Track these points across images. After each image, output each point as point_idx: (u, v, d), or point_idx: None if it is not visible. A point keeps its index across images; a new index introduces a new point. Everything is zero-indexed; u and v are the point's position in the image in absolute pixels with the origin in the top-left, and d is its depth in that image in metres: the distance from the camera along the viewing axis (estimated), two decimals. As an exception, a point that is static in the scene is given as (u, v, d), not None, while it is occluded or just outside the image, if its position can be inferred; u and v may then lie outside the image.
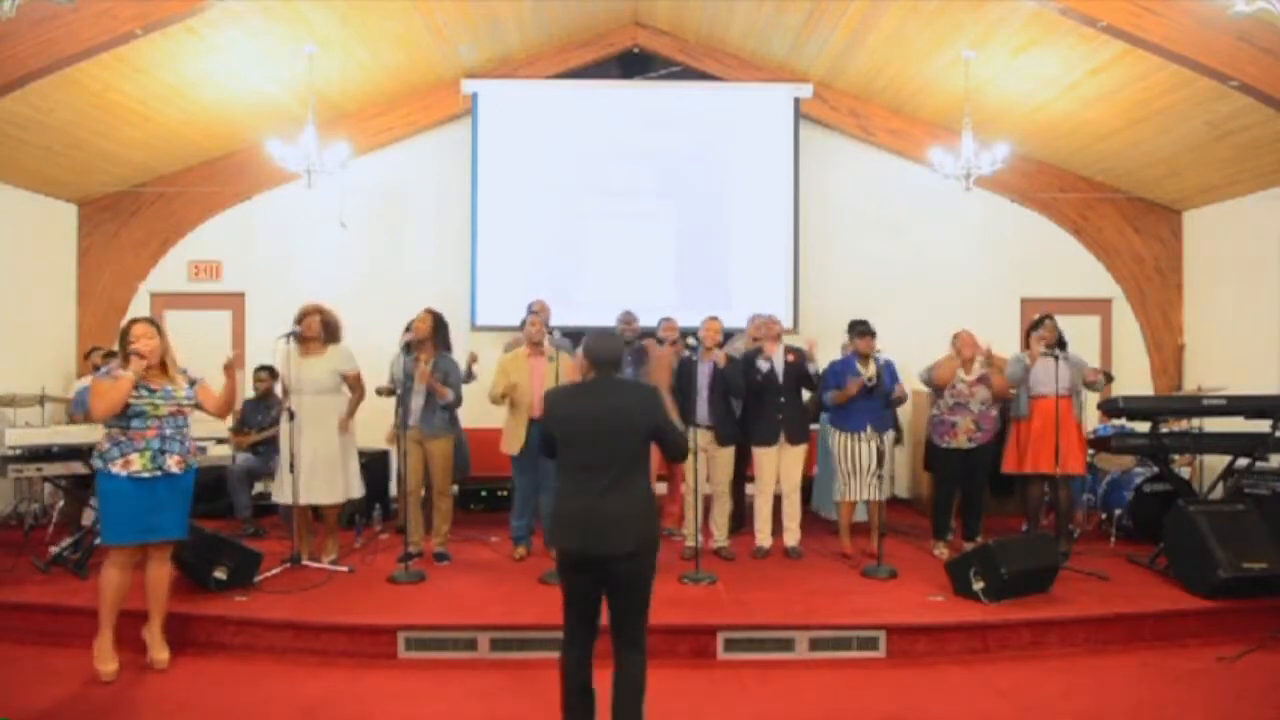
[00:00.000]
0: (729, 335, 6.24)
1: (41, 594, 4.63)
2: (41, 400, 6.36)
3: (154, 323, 4.06)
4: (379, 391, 5.62)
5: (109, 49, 5.33)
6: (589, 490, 3.07)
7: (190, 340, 7.59)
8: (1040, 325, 5.60)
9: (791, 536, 5.71)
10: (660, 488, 6.16)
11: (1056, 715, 3.66)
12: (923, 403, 6.56)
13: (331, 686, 3.90)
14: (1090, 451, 6.16)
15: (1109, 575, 5.05)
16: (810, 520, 6.17)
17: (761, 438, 5.64)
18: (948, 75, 6.71)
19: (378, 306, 6.95)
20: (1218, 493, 5.62)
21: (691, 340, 5.55)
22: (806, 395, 5.82)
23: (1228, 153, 6.37)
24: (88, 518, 5.64)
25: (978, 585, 4.60)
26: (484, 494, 7.13)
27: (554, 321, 6.59)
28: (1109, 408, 5.72)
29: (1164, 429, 5.91)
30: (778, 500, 5.75)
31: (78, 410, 6.04)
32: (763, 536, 5.72)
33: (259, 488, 6.60)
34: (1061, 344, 5.55)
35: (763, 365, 5.58)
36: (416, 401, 5.40)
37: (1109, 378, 6.93)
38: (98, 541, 4.59)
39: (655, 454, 3.43)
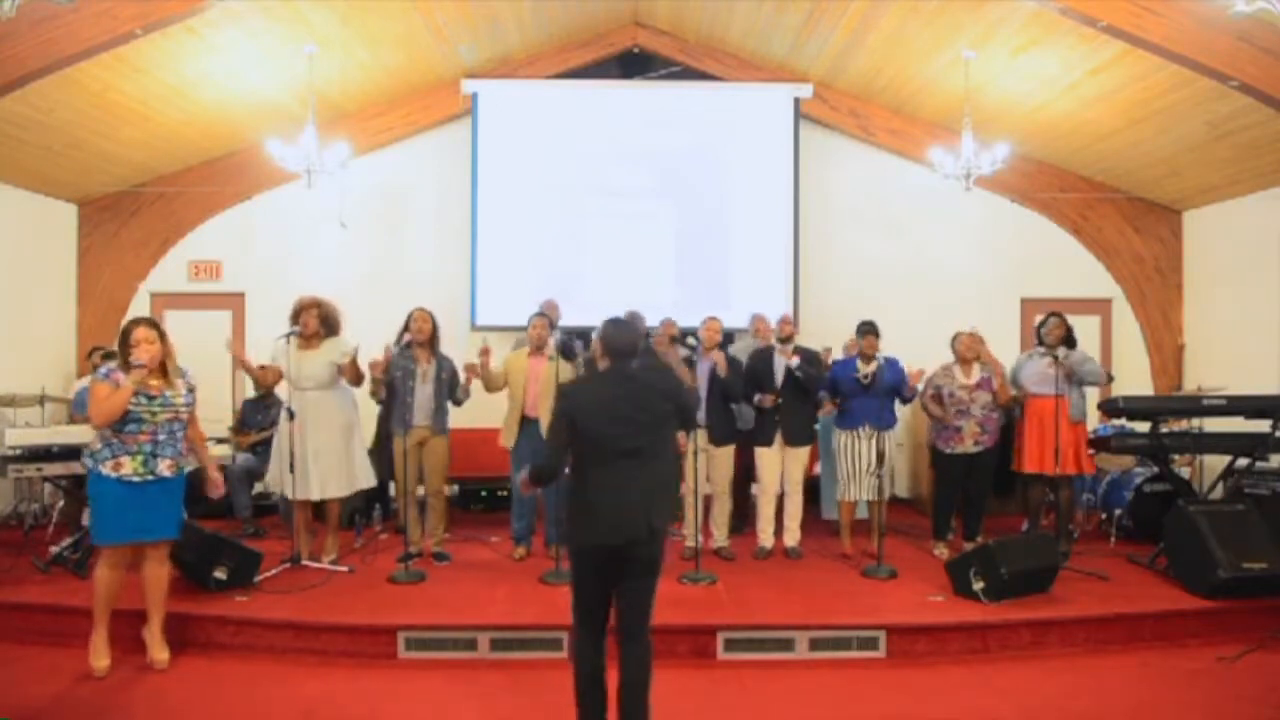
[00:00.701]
0: (729, 335, 6.23)
1: (41, 594, 4.63)
2: (41, 400, 6.36)
3: (155, 325, 3.99)
4: (374, 395, 5.49)
5: (109, 49, 5.33)
6: (622, 478, 3.04)
7: (190, 340, 7.68)
8: (1046, 324, 5.61)
9: (792, 537, 5.71)
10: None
11: (1057, 715, 3.66)
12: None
13: (331, 686, 3.90)
14: (1090, 451, 6.16)
15: (1109, 575, 5.05)
16: (811, 520, 6.17)
17: (762, 438, 5.65)
18: (948, 75, 6.71)
19: (378, 306, 6.94)
20: (1218, 493, 5.62)
21: (691, 340, 5.55)
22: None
23: (1228, 153, 6.37)
24: (87, 517, 5.61)
25: (978, 585, 4.60)
26: (484, 494, 7.14)
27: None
28: (1109, 408, 5.72)
29: (1164, 429, 5.91)
30: (780, 500, 5.75)
31: (78, 411, 6.04)
32: (765, 537, 5.72)
33: (259, 488, 6.60)
34: (1070, 342, 5.54)
35: (791, 363, 5.55)
36: (423, 399, 5.38)
37: (1109, 378, 6.94)
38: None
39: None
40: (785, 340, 5.72)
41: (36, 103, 5.67)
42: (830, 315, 7.41)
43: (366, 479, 5.43)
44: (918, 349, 5.91)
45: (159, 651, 4.06)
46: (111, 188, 7.50)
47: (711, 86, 7.90)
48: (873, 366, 5.52)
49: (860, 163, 8.01)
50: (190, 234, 7.81)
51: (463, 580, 5.07)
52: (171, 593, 4.20)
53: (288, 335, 5.20)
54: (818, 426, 6.16)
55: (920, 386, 5.65)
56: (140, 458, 3.89)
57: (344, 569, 5.19)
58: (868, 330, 5.58)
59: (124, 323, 4.01)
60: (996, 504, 6.32)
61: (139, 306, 7.69)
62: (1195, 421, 6.31)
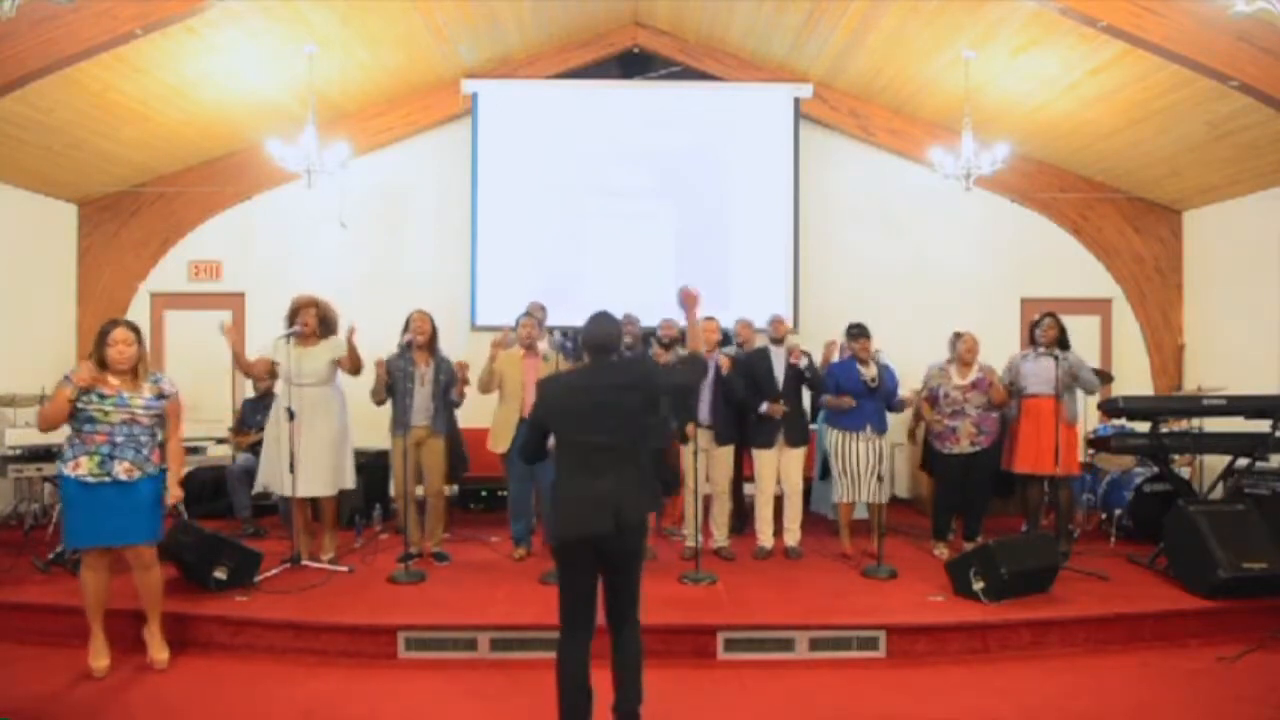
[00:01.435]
0: (726, 335, 6.24)
1: (41, 594, 4.63)
2: (41, 400, 6.33)
3: (136, 329, 3.95)
4: (374, 397, 5.48)
5: (109, 49, 5.33)
6: (593, 473, 3.04)
7: (190, 340, 7.70)
8: (1040, 324, 5.60)
9: (791, 537, 5.71)
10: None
11: (1057, 715, 3.66)
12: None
13: (331, 686, 3.90)
14: (1090, 451, 6.15)
15: (1109, 575, 5.05)
16: (810, 520, 6.17)
17: (761, 439, 5.65)
18: (948, 75, 6.71)
19: (378, 306, 6.94)
20: (1218, 493, 5.61)
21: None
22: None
23: (1228, 153, 6.37)
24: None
25: (978, 585, 4.59)
26: (484, 494, 7.14)
27: (554, 321, 6.60)
28: (1109, 408, 5.71)
29: (1164, 429, 5.91)
30: (779, 501, 5.75)
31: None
32: (764, 537, 5.72)
33: (259, 488, 6.58)
34: (1064, 343, 5.54)
35: (801, 364, 5.55)
36: (422, 399, 5.40)
37: (1108, 378, 6.94)
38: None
39: None
40: (778, 341, 5.72)
41: (36, 103, 5.67)
42: (830, 315, 7.40)
43: (349, 480, 5.43)
44: (918, 349, 5.92)
45: (159, 651, 4.06)
46: (111, 188, 7.51)
47: (711, 86, 7.90)
48: (874, 369, 5.52)
49: (860, 163, 8.01)
50: (190, 234, 7.82)
51: (463, 580, 5.07)
52: (171, 593, 4.19)
53: (289, 334, 5.20)
54: (813, 426, 6.16)
55: (905, 394, 5.69)
56: (97, 458, 3.83)
57: (344, 569, 5.19)
58: (859, 333, 5.57)
59: (104, 324, 3.94)
60: (996, 504, 6.32)
61: (139, 306, 7.71)
62: (1195, 421, 6.30)
